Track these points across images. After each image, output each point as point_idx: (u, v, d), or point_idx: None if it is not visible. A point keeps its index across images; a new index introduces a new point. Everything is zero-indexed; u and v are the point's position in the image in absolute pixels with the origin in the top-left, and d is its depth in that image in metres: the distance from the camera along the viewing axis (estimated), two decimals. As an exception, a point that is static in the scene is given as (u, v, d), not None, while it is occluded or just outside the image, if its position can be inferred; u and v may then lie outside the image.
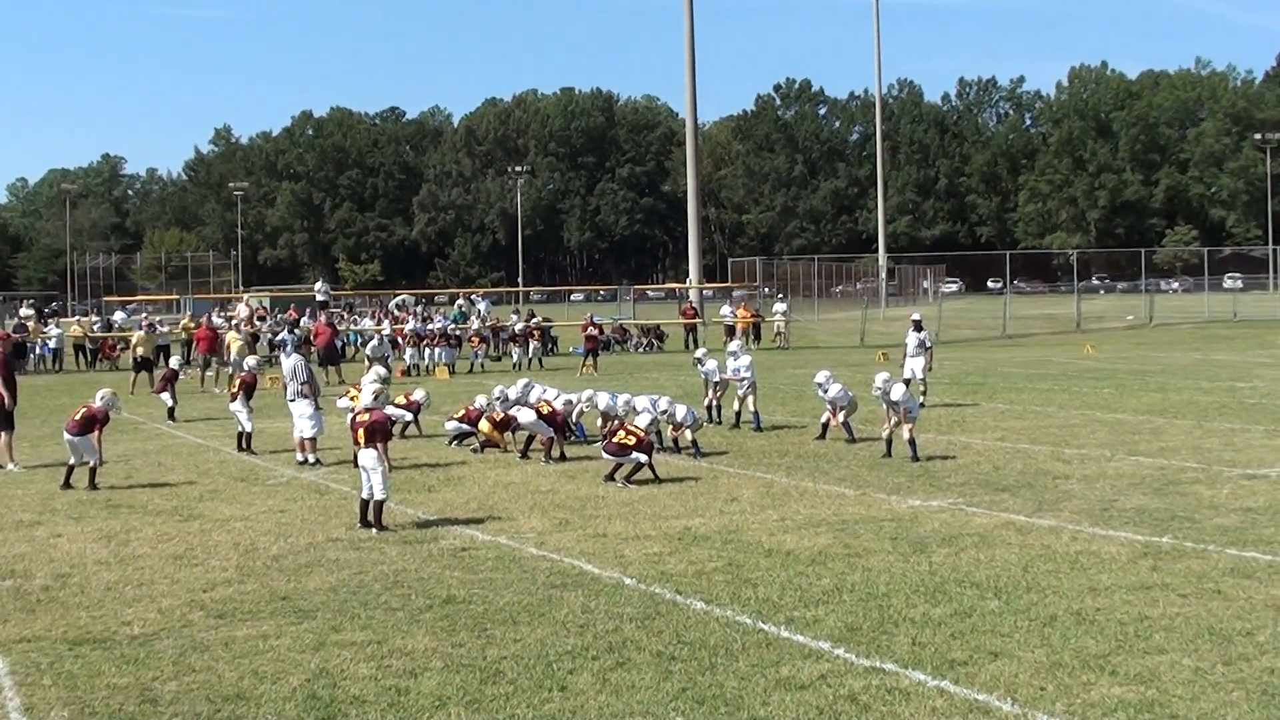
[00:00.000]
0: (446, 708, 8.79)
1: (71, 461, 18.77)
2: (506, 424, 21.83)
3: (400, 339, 44.86)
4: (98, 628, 10.94)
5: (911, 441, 19.73)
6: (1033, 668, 9.37)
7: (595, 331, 44.23)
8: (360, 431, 15.46)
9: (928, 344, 28.87)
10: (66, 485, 18.54)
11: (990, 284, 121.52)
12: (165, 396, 28.49)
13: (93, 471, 18.58)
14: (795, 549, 13.52)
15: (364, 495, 15.29)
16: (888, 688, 8.98)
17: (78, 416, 18.82)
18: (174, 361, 31.72)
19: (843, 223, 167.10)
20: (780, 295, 65.77)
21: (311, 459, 20.67)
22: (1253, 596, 11.26)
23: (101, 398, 19.35)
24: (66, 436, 18.86)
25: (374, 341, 41.38)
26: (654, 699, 8.87)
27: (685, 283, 68.65)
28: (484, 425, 21.97)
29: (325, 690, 9.18)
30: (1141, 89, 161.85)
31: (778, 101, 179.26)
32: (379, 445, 15.24)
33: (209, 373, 37.52)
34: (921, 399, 27.44)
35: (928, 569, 12.50)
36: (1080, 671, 9.28)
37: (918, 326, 29.10)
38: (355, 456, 15.81)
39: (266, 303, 63.99)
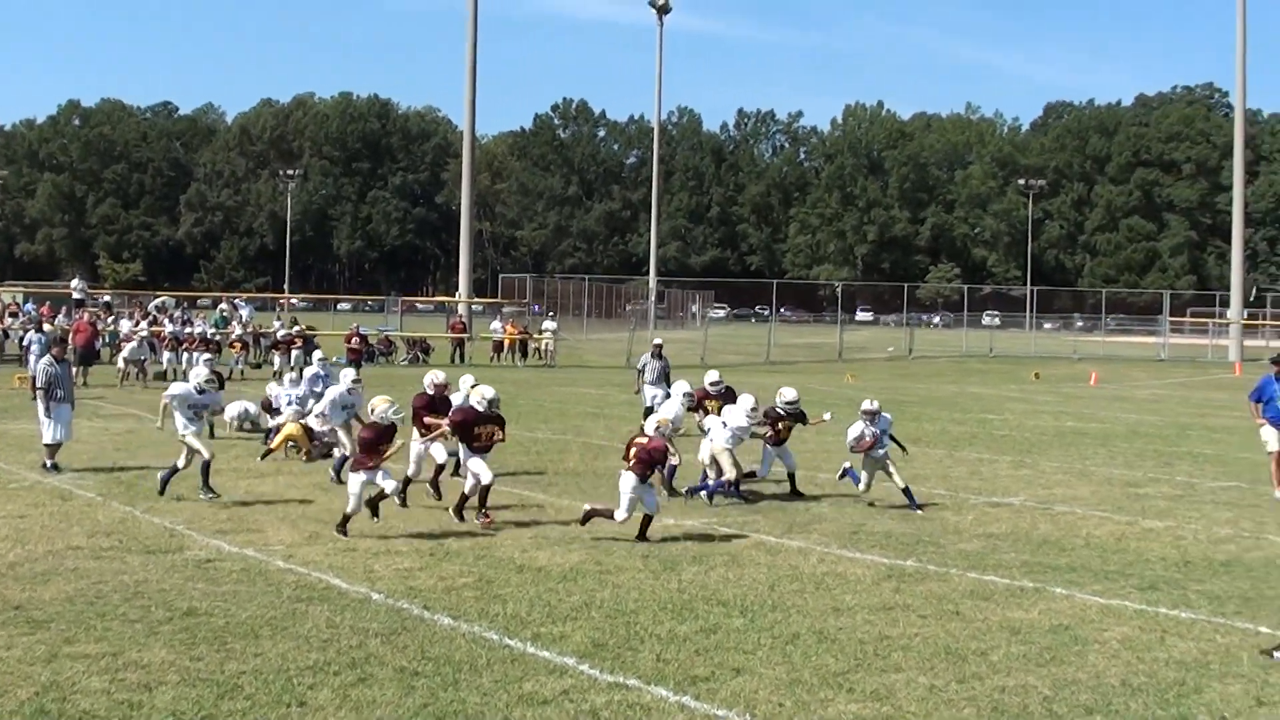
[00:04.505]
0: (179, 721, 8.55)
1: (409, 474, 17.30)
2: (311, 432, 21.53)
3: (158, 341, 43.55)
4: None
5: None
6: (773, 684, 9.54)
7: (358, 343, 43.65)
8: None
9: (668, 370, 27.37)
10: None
11: (758, 310, 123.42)
12: None
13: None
14: (547, 565, 13.53)
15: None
16: (629, 703, 9.04)
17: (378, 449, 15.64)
18: None
19: (615, 244, 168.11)
20: (550, 314, 65.93)
21: (49, 463, 19.83)
22: (989, 618, 11.65)
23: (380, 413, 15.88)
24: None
25: (132, 344, 40.07)
26: (394, 715, 8.78)
27: (455, 296, 68.16)
28: (294, 429, 21.53)
29: (54, 704, 8.86)
30: (913, 129, 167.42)
31: (556, 120, 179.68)
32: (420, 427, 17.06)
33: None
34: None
35: (677, 586, 12.62)
36: (819, 688, 9.47)
37: (657, 353, 28.03)
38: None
39: (20, 299, 61.58)
